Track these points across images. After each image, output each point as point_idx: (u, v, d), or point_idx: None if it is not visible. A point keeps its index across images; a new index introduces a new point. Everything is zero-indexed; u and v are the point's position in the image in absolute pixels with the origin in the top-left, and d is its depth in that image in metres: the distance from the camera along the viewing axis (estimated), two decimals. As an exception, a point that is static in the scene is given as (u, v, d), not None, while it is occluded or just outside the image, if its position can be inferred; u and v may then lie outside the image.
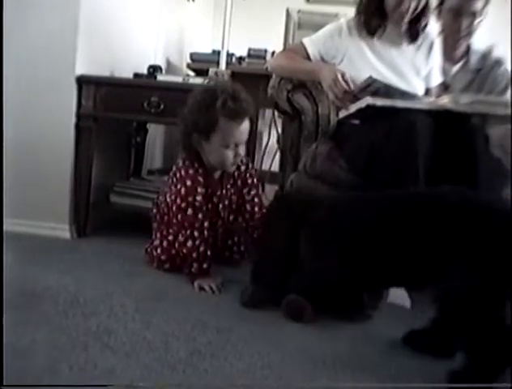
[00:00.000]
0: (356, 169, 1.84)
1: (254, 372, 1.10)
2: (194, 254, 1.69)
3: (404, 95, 1.84)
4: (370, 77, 1.82)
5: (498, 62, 2.26)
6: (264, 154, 3.51)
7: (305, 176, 1.98)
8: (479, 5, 2.13)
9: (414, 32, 2.06)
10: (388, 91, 1.81)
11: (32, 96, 2.10)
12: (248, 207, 1.87)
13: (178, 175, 1.78)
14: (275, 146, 3.10)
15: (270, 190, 3.03)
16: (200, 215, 1.72)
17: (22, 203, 2.13)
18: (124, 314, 1.34)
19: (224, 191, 1.85)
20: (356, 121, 1.95)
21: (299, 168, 2.03)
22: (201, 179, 1.75)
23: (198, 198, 1.73)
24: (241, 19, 3.59)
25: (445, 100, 1.74)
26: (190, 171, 1.76)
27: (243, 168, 1.88)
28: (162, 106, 2.10)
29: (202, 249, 1.70)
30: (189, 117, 1.71)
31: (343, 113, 1.98)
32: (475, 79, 2.27)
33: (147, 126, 2.65)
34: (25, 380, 0.99)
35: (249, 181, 1.88)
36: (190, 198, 1.72)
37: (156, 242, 1.85)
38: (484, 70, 2.27)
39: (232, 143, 1.71)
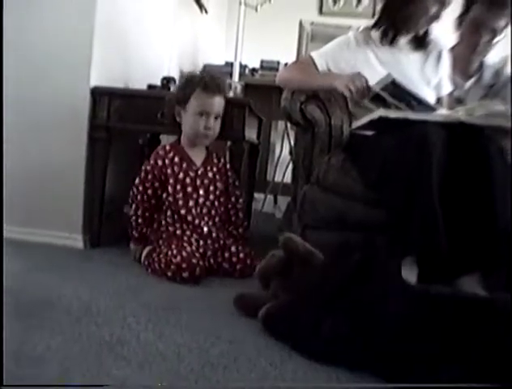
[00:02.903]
0: (368, 182, 1.83)
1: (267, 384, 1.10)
2: (133, 222, 2.01)
3: (419, 101, 1.84)
4: (389, 74, 1.81)
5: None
6: (277, 165, 3.52)
7: (317, 188, 1.98)
8: (502, 23, 2.13)
9: (423, 41, 2.07)
10: (404, 93, 1.81)
11: (46, 106, 2.11)
12: (232, 198, 2.10)
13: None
14: (288, 157, 3.11)
15: (283, 201, 3.03)
16: (148, 184, 1.99)
17: (35, 213, 2.15)
18: (137, 324, 1.34)
19: (203, 169, 2.04)
20: (370, 133, 1.95)
21: (312, 180, 2.02)
22: (162, 153, 2.02)
23: (149, 167, 2.00)
24: (254, 30, 3.62)
25: (460, 113, 1.73)
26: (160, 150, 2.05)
27: (222, 161, 2.11)
28: (175, 118, 2.11)
29: (140, 214, 2.00)
30: (174, 94, 2.05)
31: (355, 124, 1.98)
32: (487, 94, 2.26)
33: (160, 137, 2.66)
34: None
35: (229, 173, 2.11)
36: (148, 168, 2.00)
37: (162, 259, 1.86)
38: (497, 87, 2.27)
39: (203, 112, 1.95)
